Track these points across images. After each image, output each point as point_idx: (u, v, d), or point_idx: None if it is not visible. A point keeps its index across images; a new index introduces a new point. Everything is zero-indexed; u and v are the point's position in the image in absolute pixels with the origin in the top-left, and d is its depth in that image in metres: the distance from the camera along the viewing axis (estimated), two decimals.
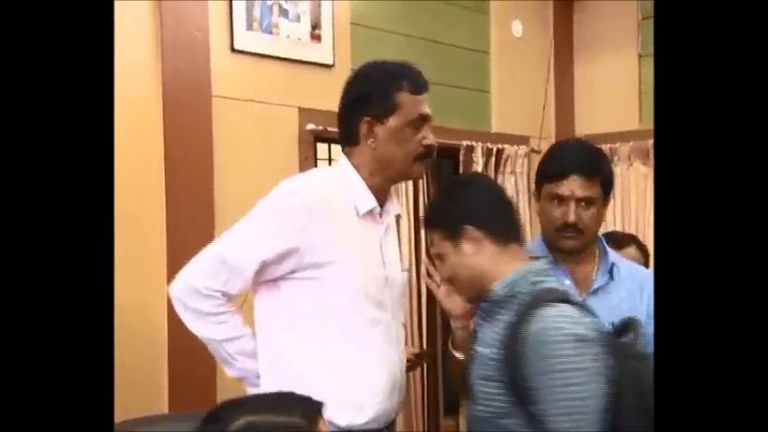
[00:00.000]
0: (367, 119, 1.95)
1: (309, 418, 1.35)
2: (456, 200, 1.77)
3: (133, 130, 2.52)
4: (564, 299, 1.63)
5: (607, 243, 2.47)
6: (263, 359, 1.89)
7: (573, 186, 2.07)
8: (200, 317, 1.92)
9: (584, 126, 4.07)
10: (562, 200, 2.08)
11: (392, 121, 1.95)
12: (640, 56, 3.94)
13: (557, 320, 1.60)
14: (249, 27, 2.79)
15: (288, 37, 2.89)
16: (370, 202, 1.98)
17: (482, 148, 3.66)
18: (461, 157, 3.62)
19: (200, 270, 1.92)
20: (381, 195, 2.02)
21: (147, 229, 2.55)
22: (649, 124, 3.78)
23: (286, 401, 1.40)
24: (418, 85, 1.99)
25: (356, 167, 2.01)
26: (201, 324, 1.93)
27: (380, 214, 2.04)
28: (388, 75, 2.01)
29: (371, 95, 1.96)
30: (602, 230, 2.42)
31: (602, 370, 1.62)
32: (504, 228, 1.73)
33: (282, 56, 2.84)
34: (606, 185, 2.10)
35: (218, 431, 1.32)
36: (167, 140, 2.59)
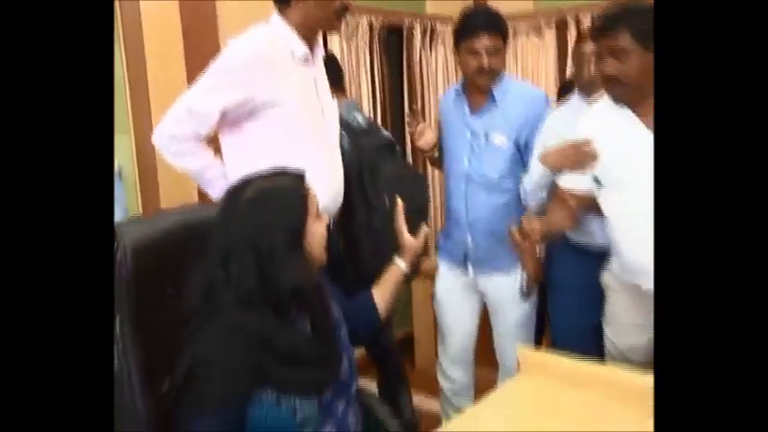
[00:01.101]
0: None
1: (300, 179, 1.51)
2: None
3: (157, 13, 2.56)
4: None
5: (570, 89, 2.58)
6: None
7: (485, 41, 2.30)
8: (180, 155, 1.98)
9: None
10: (476, 51, 2.31)
11: None
12: None
13: None
14: None
15: None
16: (303, 48, 2.01)
17: (420, 25, 3.75)
18: (405, 33, 3.71)
19: (174, 120, 1.96)
20: (310, 43, 2.04)
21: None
22: (540, 9, 3.95)
23: (283, 172, 1.54)
24: None
25: (288, 23, 2.01)
26: (182, 160, 2.00)
27: (313, 59, 2.07)
28: None
29: None
30: None
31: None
32: None
33: None
34: (505, 37, 2.36)
35: (237, 193, 1.48)
36: (185, 18, 2.65)
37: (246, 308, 1.40)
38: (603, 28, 1.88)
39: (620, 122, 1.94)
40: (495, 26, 2.36)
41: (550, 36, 3.87)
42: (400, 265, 1.84)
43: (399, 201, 1.90)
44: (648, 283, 1.86)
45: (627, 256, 2.00)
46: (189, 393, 1.38)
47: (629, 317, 2.07)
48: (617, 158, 1.96)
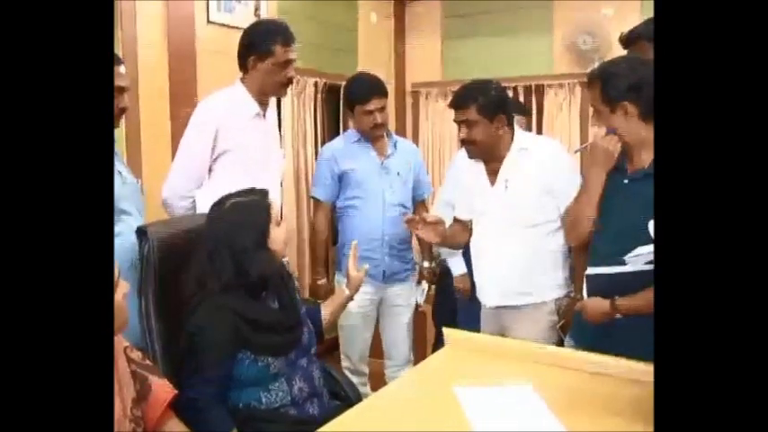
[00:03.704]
0: (252, 58, 2.10)
1: (265, 195, 1.67)
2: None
3: (151, 68, 2.71)
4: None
5: None
6: None
7: (375, 103, 2.49)
8: (185, 210, 2.10)
9: (411, 77, 4.34)
10: (370, 112, 2.50)
11: (269, 62, 2.09)
12: (443, 39, 4.25)
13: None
14: (218, 8, 3.02)
15: (241, 14, 3.07)
16: (256, 108, 2.15)
17: None
18: (343, 92, 3.30)
19: (174, 181, 2.09)
20: (263, 105, 2.19)
21: (160, 128, 2.73)
22: (447, 78, 4.15)
23: (253, 190, 1.69)
24: (287, 39, 2.10)
25: (247, 88, 2.13)
26: (181, 209, 2.11)
27: (264, 116, 2.20)
28: (268, 31, 2.11)
29: (256, 44, 2.10)
30: None
31: None
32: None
33: (237, 26, 2.87)
34: (387, 97, 2.57)
35: (218, 206, 1.66)
36: (171, 74, 2.80)
37: (227, 292, 1.57)
38: (456, 104, 2.07)
39: (473, 173, 2.19)
40: (383, 90, 2.57)
41: None
42: (345, 291, 1.97)
43: (353, 244, 2.03)
44: (487, 300, 2.19)
45: (475, 275, 2.25)
46: (189, 358, 1.56)
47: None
48: (472, 197, 2.21)
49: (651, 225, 1.25)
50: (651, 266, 1.35)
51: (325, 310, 1.95)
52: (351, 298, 1.99)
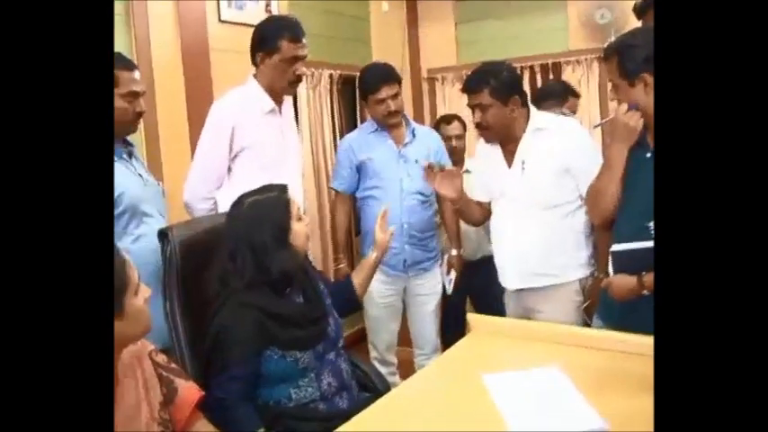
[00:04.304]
0: (261, 54, 2.11)
1: (284, 191, 1.68)
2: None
3: (166, 70, 2.71)
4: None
5: (548, 96, 2.68)
6: None
7: (387, 91, 2.48)
8: (206, 212, 2.11)
9: (426, 63, 4.28)
10: (383, 100, 2.49)
11: (275, 58, 2.09)
12: (456, 24, 4.21)
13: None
14: (229, 6, 3.02)
15: (252, 11, 3.08)
16: (270, 104, 2.15)
17: None
18: (357, 84, 3.24)
19: (195, 183, 2.10)
20: (277, 100, 2.18)
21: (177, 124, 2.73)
22: (462, 62, 4.09)
23: (271, 186, 1.69)
24: (295, 34, 2.10)
25: (259, 83, 2.13)
26: (203, 210, 2.12)
27: (280, 112, 2.20)
28: (276, 27, 2.12)
29: (265, 40, 2.11)
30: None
31: None
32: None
33: (249, 23, 2.65)
34: (401, 84, 2.56)
35: (237, 205, 1.64)
36: (186, 74, 2.79)
37: (251, 289, 1.57)
38: (469, 88, 2.06)
39: (490, 156, 2.18)
40: (394, 77, 2.54)
41: None
42: (373, 255, 1.99)
43: (382, 208, 2.05)
44: (508, 283, 2.16)
45: (495, 258, 2.24)
46: (215, 357, 1.56)
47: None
48: (490, 179, 2.20)
49: None
50: None
51: (356, 279, 1.96)
52: (378, 260, 1.98)
